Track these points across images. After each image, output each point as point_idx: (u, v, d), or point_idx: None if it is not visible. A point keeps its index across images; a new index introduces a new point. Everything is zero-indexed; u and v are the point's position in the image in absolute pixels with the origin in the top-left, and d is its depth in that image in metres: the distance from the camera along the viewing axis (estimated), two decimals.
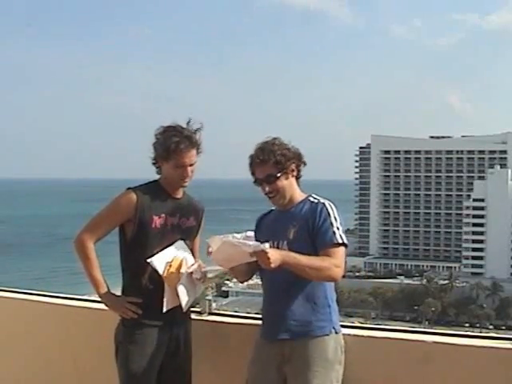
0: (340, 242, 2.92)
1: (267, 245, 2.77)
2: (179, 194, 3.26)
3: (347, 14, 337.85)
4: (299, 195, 3.08)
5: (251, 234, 2.87)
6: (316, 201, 3.04)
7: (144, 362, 3.07)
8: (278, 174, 2.99)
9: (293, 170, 3.04)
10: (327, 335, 2.97)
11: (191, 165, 3.16)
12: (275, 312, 3.01)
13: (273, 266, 2.75)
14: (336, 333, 3.02)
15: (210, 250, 2.88)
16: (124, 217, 3.11)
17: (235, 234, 2.87)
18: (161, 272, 3.08)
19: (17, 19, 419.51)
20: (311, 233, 2.95)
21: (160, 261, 3.08)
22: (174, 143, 3.09)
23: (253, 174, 3.06)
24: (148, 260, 3.07)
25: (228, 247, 2.83)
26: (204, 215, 3.38)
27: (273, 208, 3.17)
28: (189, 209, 3.28)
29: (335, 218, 2.97)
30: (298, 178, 3.09)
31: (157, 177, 3.26)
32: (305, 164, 3.11)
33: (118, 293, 3.21)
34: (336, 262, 2.88)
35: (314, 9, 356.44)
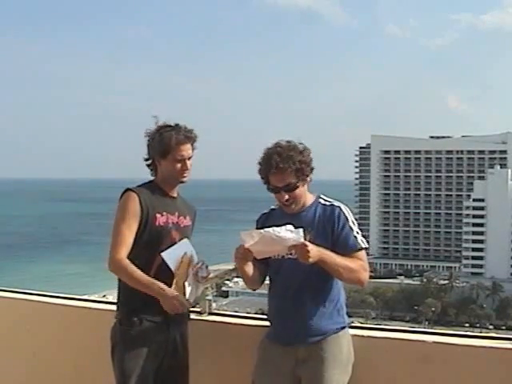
0: (363, 246, 2.93)
1: (301, 232, 2.74)
2: (175, 193, 3.26)
3: (343, 14, 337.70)
4: (309, 198, 3.03)
5: (291, 227, 2.76)
6: (328, 203, 3.01)
7: (140, 363, 3.04)
8: (298, 183, 2.93)
9: (307, 175, 2.98)
10: (341, 337, 2.98)
11: (189, 158, 3.17)
12: (289, 316, 2.97)
13: (311, 260, 2.73)
14: (348, 333, 3.04)
15: (247, 245, 2.78)
16: (138, 218, 3.07)
17: (275, 228, 2.77)
18: (173, 268, 3.07)
19: (11, 17, 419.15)
20: (330, 238, 2.92)
21: (171, 256, 3.08)
22: (171, 137, 3.11)
23: (264, 178, 2.96)
24: (162, 254, 3.05)
25: (267, 241, 2.76)
26: (196, 216, 3.38)
27: (273, 207, 3.13)
28: (185, 208, 3.28)
29: (353, 222, 2.96)
30: (309, 181, 3.03)
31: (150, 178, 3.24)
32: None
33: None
34: (365, 265, 2.91)
35: (308, 9, 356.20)
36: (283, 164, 2.87)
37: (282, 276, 2.99)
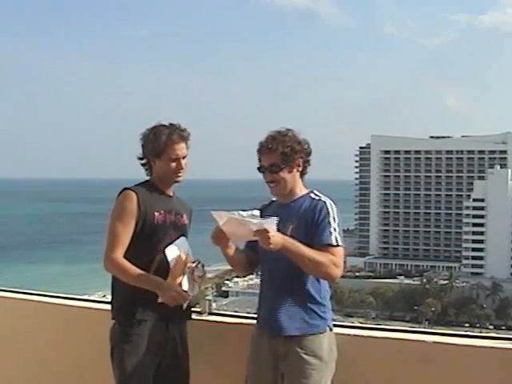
0: (334, 243, 2.89)
1: (275, 220, 2.76)
2: (171, 192, 3.28)
3: (341, 14, 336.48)
4: (300, 190, 3.07)
5: (257, 212, 2.82)
6: (317, 198, 3.04)
7: (140, 363, 3.05)
8: (282, 166, 2.99)
9: (298, 165, 3.04)
10: (322, 333, 2.98)
11: (184, 157, 3.19)
12: (271, 305, 3.01)
13: (272, 247, 2.75)
14: (330, 330, 3.03)
15: (220, 224, 2.85)
16: (135, 217, 3.09)
17: (241, 212, 2.82)
18: (171, 264, 3.07)
19: (11, 17, 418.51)
20: (309, 230, 2.94)
21: (172, 252, 3.10)
22: (165, 136, 3.13)
23: (259, 160, 3.07)
24: (165, 249, 3.06)
25: (234, 223, 2.81)
26: (192, 215, 3.40)
27: (274, 199, 3.18)
28: (181, 207, 3.30)
29: (334, 218, 2.95)
30: (303, 173, 3.08)
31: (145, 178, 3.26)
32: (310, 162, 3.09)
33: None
34: (336, 260, 2.87)
35: (306, 9, 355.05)
36: (273, 145, 2.99)
37: (267, 264, 3.05)
